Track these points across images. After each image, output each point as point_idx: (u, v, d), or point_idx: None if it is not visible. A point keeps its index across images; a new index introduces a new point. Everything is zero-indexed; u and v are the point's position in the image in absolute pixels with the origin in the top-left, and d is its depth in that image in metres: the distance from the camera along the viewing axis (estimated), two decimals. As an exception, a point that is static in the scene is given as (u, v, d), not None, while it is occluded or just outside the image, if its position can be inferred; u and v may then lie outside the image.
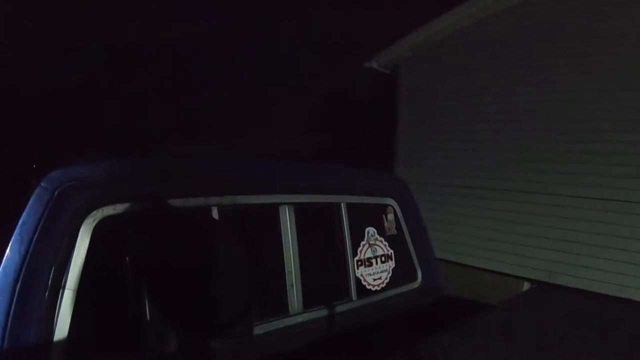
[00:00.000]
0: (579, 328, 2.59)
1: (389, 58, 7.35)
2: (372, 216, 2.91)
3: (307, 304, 2.38)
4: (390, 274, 2.88)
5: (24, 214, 1.62)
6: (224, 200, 2.13)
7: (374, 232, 2.86)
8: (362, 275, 2.71)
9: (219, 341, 1.58)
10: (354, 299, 2.63)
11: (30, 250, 1.58)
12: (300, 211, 2.45)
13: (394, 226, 3.00)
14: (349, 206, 2.72)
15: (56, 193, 1.68)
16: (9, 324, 1.51)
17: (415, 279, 3.05)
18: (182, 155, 2.65)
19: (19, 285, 1.55)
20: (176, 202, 1.98)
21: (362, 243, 2.77)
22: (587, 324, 2.67)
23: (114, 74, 14.19)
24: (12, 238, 1.58)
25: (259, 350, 1.93)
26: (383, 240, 2.90)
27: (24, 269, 1.56)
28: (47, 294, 1.60)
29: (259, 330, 2.07)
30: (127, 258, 1.80)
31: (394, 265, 2.92)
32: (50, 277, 1.61)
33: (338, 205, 2.68)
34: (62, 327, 1.61)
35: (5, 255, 1.56)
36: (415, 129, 7.05)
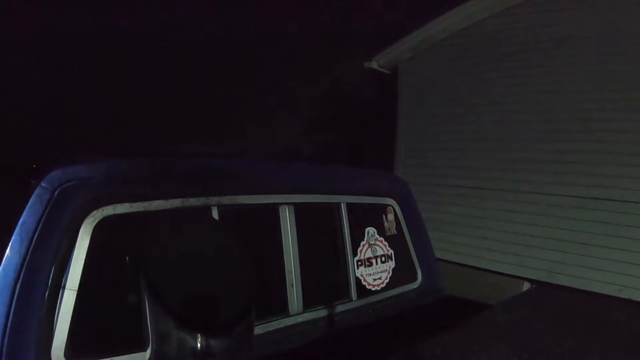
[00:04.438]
0: (579, 328, 2.59)
1: (389, 58, 7.34)
2: (372, 216, 2.90)
3: (307, 304, 2.38)
4: (390, 274, 2.88)
5: (24, 214, 1.61)
6: (224, 200, 2.13)
7: (374, 232, 2.86)
8: (362, 275, 2.71)
9: (219, 341, 1.58)
10: (354, 299, 2.63)
11: (30, 250, 1.58)
12: (300, 211, 2.45)
13: (394, 226, 2.99)
14: (349, 206, 2.71)
15: (56, 193, 1.68)
16: (9, 324, 1.51)
17: (415, 279, 3.05)
18: (182, 155, 2.64)
19: (19, 285, 1.55)
20: (176, 202, 1.98)
21: (362, 243, 2.77)
22: (587, 324, 2.67)
23: (113, 73, 14.19)
24: (12, 238, 1.57)
25: (259, 350, 1.93)
26: (383, 240, 2.90)
27: (24, 269, 1.56)
28: (47, 294, 1.60)
29: (259, 330, 2.07)
30: (127, 258, 1.80)
31: (394, 265, 2.92)
32: (50, 277, 1.61)
33: (338, 205, 2.68)
34: (62, 327, 1.61)
35: (5, 255, 1.56)
36: (415, 129, 7.04)
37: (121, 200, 1.82)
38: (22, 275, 1.56)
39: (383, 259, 2.86)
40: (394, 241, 2.96)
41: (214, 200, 2.10)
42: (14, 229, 1.59)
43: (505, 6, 5.96)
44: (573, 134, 5.32)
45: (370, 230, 2.84)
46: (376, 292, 2.77)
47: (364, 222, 2.83)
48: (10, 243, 1.57)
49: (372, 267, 2.78)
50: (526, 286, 5.56)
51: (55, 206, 1.66)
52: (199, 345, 1.53)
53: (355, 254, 2.70)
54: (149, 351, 1.69)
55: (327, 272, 2.67)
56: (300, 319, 2.33)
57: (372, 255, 2.80)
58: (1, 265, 1.54)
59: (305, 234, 2.44)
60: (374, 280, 2.78)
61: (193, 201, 2.03)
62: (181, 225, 1.92)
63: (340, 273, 2.65)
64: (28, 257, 1.58)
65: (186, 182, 2.06)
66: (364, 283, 2.71)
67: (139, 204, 1.87)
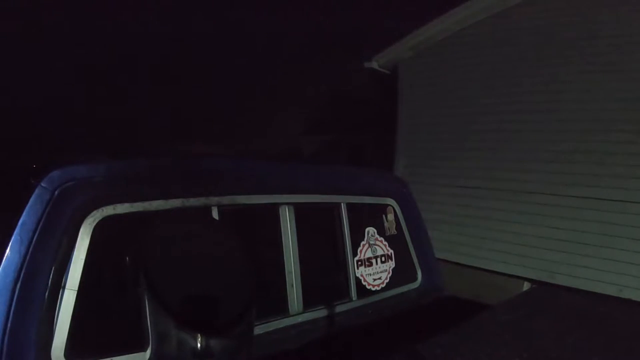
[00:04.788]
0: (579, 328, 2.58)
1: (389, 58, 7.34)
2: (372, 216, 2.90)
3: (307, 304, 2.38)
4: (390, 274, 2.88)
5: (24, 214, 1.61)
6: (224, 200, 2.13)
7: (374, 232, 2.86)
8: (362, 275, 2.71)
9: (219, 341, 1.58)
10: (354, 299, 2.63)
11: (30, 250, 1.58)
12: (300, 211, 2.45)
13: (394, 226, 2.99)
14: (349, 206, 2.71)
15: (56, 193, 1.68)
16: (9, 324, 1.51)
17: (415, 279, 3.05)
18: (182, 155, 2.64)
19: (19, 285, 1.55)
20: (176, 202, 1.98)
21: (362, 243, 2.77)
22: (587, 324, 2.67)
23: (114, 73, 14.19)
24: (12, 238, 1.57)
25: (259, 350, 1.93)
26: (383, 240, 2.90)
27: (24, 269, 1.56)
28: (47, 294, 1.60)
29: (259, 330, 2.07)
30: (127, 258, 1.80)
31: (394, 265, 2.92)
32: (50, 277, 1.61)
33: (338, 205, 2.68)
34: (62, 327, 1.61)
35: (5, 255, 1.56)
36: (415, 129, 7.05)
37: (121, 200, 1.82)
38: (22, 275, 1.56)
39: (383, 259, 2.86)
40: (394, 241, 2.96)
41: (214, 200, 2.10)
42: (14, 229, 1.59)
43: (505, 6, 5.97)
44: (573, 134, 5.32)
45: (370, 230, 2.84)
46: (376, 292, 2.77)
47: (364, 222, 2.83)
48: (10, 243, 1.57)
49: (372, 267, 2.78)
50: (526, 286, 5.56)
51: (55, 206, 1.66)
52: (199, 345, 1.53)
53: (355, 254, 2.70)
54: (149, 351, 1.69)
55: (327, 272, 2.67)
56: (300, 319, 2.33)
57: (372, 255, 2.80)
58: (1, 265, 1.54)
59: (305, 234, 2.44)
60: (374, 280, 2.78)
61: (193, 201, 2.03)
62: (181, 225, 1.91)
63: (340, 273, 2.65)
64: (28, 257, 1.58)
65: (186, 182, 2.06)
66: (364, 283, 2.71)
67: (139, 204, 1.87)
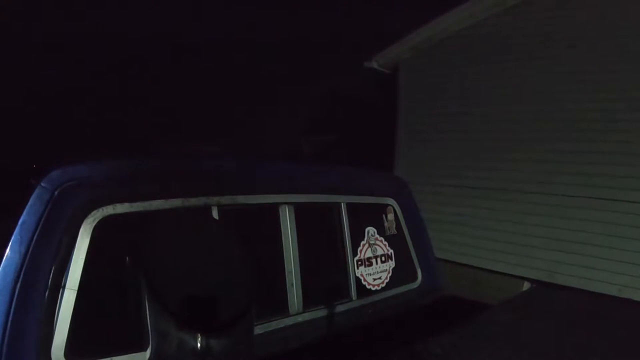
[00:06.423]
0: (579, 328, 2.59)
1: (389, 58, 7.33)
2: (372, 216, 2.90)
3: (307, 304, 2.38)
4: (390, 274, 2.88)
5: (24, 214, 1.61)
6: (224, 200, 2.13)
7: (374, 232, 2.86)
8: (362, 275, 2.71)
9: (219, 341, 1.58)
10: (354, 298, 2.63)
11: (30, 250, 1.58)
12: (300, 211, 2.45)
13: (394, 226, 2.99)
14: (349, 206, 2.71)
15: (56, 193, 1.68)
16: (9, 324, 1.51)
17: (415, 278, 3.05)
18: (182, 155, 2.64)
19: (19, 285, 1.55)
20: (176, 202, 1.98)
21: (362, 243, 2.77)
22: (587, 324, 2.67)
23: (113, 72, 14.20)
24: (12, 238, 1.57)
25: (259, 350, 1.93)
26: (383, 240, 2.90)
27: (24, 269, 1.56)
28: (47, 294, 1.60)
29: (259, 330, 2.07)
30: (127, 258, 1.80)
31: (394, 265, 2.92)
32: (50, 277, 1.61)
33: (338, 205, 2.68)
34: (62, 327, 1.61)
35: (5, 255, 1.56)
36: (415, 128, 7.04)
37: (121, 200, 1.82)
38: (22, 275, 1.56)
39: (383, 258, 2.86)
40: (394, 241, 2.96)
41: (214, 200, 2.10)
42: (14, 228, 1.59)
43: (505, 6, 5.96)
44: (573, 134, 5.32)
45: (370, 230, 2.84)
46: (376, 291, 2.77)
47: (364, 222, 2.83)
48: (10, 243, 1.57)
49: (372, 267, 2.78)
50: (526, 286, 5.56)
51: (55, 206, 1.66)
52: (199, 345, 1.53)
53: (355, 253, 2.70)
54: (149, 351, 1.69)
55: (327, 272, 2.67)
56: (300, 319, 2.33)
57: (372, 255, 2.80)
58: (1, 265, 1.54)
59: (305, 234, 2.44)
60: (374, 280, 2.78)
61: (193, 201, 2.03)
62: (181, 225, 1.92)
63: (340, 273, 2.65)
64: (28, 257, 1.58)
65: (186, 182, 2.06)
66: (364, 283, 2.71)
67: (138, 204, 1.87)
